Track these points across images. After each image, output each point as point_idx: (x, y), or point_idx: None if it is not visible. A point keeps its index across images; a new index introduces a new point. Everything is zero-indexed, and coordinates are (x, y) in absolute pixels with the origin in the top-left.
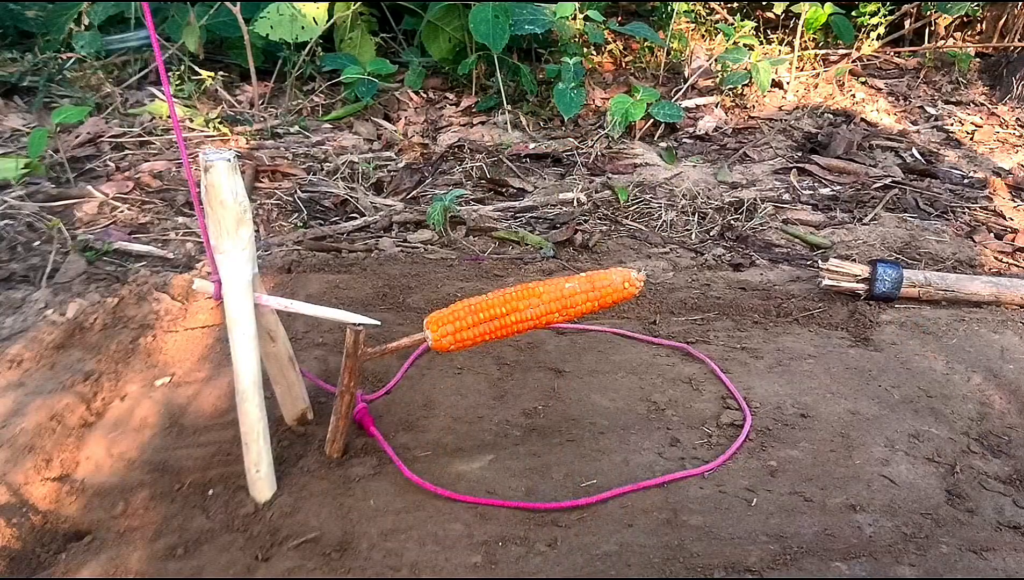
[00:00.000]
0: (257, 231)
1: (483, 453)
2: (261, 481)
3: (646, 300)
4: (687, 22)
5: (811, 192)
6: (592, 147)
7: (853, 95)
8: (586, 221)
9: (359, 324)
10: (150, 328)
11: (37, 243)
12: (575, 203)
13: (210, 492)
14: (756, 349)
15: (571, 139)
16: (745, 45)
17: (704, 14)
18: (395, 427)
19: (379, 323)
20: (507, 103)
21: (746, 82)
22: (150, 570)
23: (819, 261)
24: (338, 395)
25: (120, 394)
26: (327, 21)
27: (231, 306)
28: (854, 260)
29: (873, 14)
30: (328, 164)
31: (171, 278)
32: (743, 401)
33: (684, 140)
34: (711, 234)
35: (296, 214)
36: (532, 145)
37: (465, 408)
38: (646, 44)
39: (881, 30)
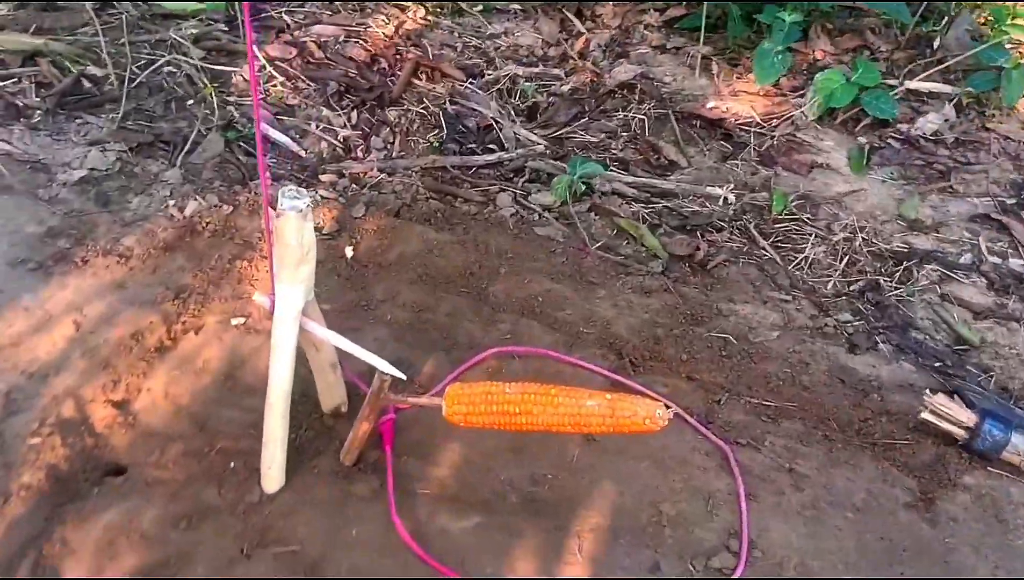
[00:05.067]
0: (392, 143)
1: (474, 513)
2: (271, 477)
3: (728, 364)
4: None
5: (998, 261)
6: (775, 128)
7: None
8: (721, 230)
9: (387, 374)
10: (252, 248)
11: (190, 102)
12: (720, 202)
13: (232, 465)
14: (803, 477)
15: (754, 110)
16: (1010, 39)
17: None
18: (409, 450)
19: (404, 378)
20: (704, 35)
21: (993, 87)
22: (154, 532)
23: (926, 393)
24: (357, 422)
25: (198, 325)
26: None
27: (278, 332)
28: (970, 403)
29: None
30: (491, 71)
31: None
32: (745, 546)
33: (890, 140)
34: (850, 289)
35: (436, 132)
36: (710, 105)
37: (480, 453)
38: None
39: None
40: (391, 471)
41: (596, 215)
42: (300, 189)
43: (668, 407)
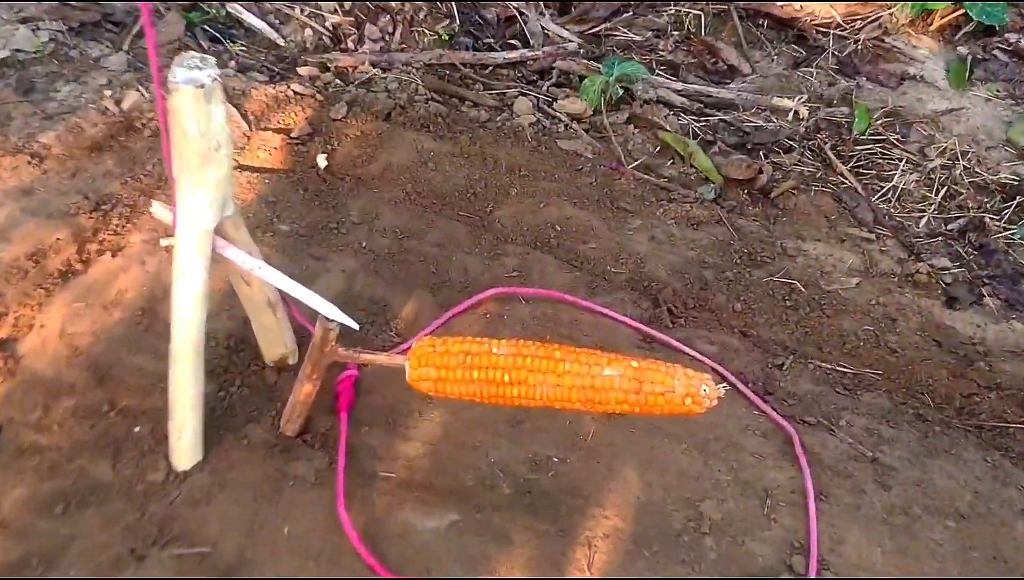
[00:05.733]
0: (392, 33)
1: (449, 507)
2: (181, 450)
3: (794, 318)
4: None
5: None
6: (859, 32)
7: None
8: (790, 150)
9: (333, 320)
10: None
11: None
12: (790, 117)
13: (136, 430)
14: (890, 470)
15: (834, 9)
16: None
17: None
18: (373, 417)
19: (357, 327)
20: None
21: None
22: (18, 518)
23: None
24: (298, 382)
25: (119, 245)
26: None
27: (180, 255)
28: None
29: None
30: None
31: (252, 90)
32: (814, 566)
33: (996, 50)
34: (948, 228)
35: (447, 23)
36: (781, 2)
37: (465, 425)
38: None
39: None
40: (344, 446)
41: (635, 128)
42: (206, 57)
43: (716, 382)
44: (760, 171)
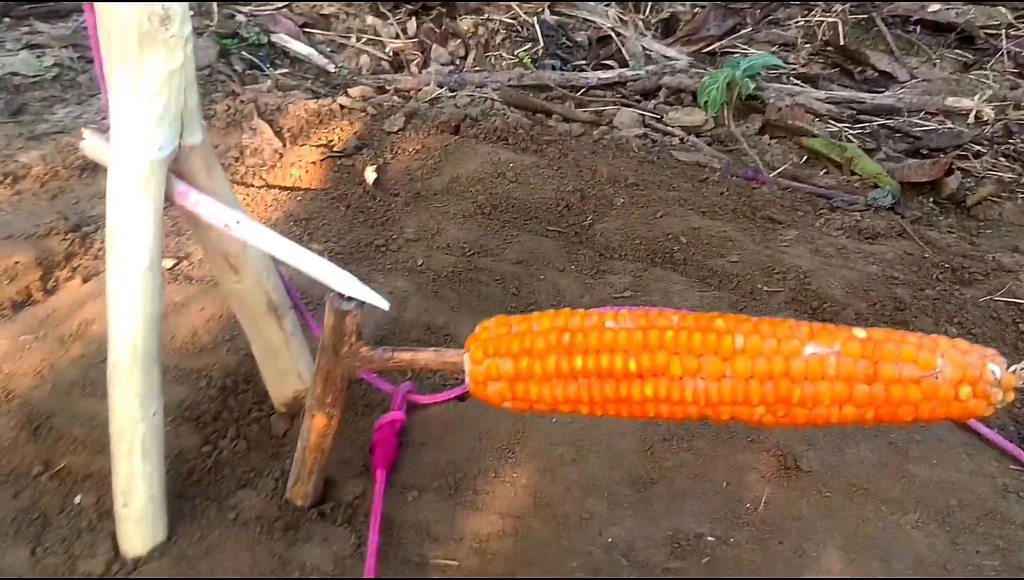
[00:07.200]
0: (463, 58)
1: None
2: (130, 523)
3: None
4: None
5: None
6: None
7: None
8: (979, 155)
9: (353, 299)
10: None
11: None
12: (971, 118)
13: (77, 499)
14: None
15: (1003, 7)
16: None
17: None
18: (427, 480)
19: (387, 306)
20: None
21: None
22: None
23: None
24: (307, 413)
25: (96, 269)
26: None
27: (111, 198)
28: None
29: None
30: None
31: (289, 105)
32: None
33: None
34: None
35: (529, 46)
36: (934, 6)
37: (566, 489)
38: None
39: None
40: (379, 518)
41: (771, 138)
42: None
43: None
44: (950, 171)
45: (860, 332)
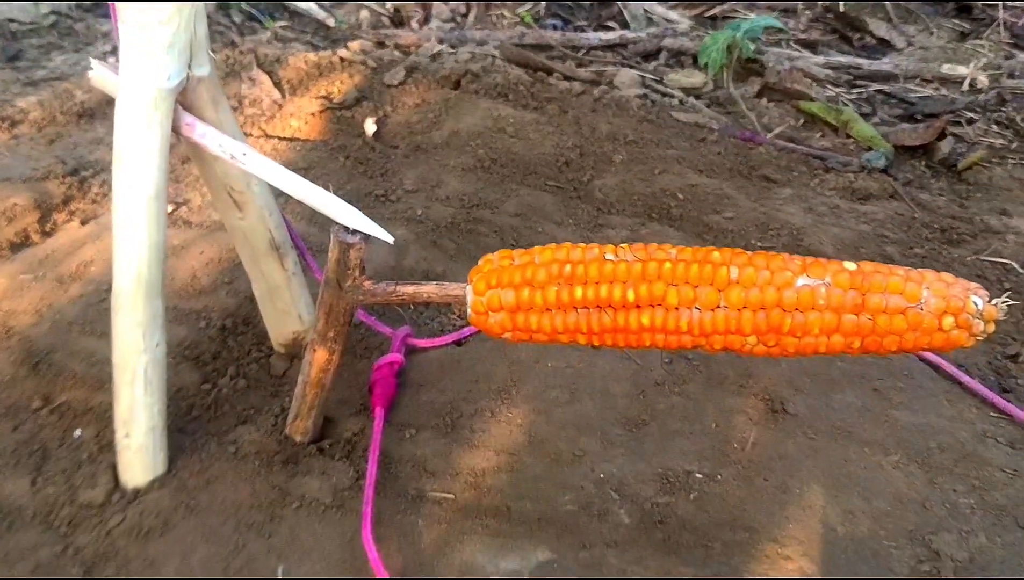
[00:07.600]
0: (464, 15)
1: (538, 541)
2: (131, 453)
3: (1018, 299)
4: None
5: None
6: None
7: None
8: (972, 121)
9: (358, 232)
10: None
11: None
12: (966, 85)
13: (77, 433)
14: None
15: None
16: None
17: None
18: (425, 418)
19: (391, 240)
20: None
21: None
22: None
23: None
24: (308, 348)
25: (94, 213)
26: None
27: (118, 126)
28: None
29: None
30: None
31: (289, 56)
32: None
33: None
34: None
35: (532, 5)
36: None
37: (560, 428)
38: None
39: None
40: (377, 452)
41: (769, 101)
42: None
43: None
44: (942, 135)
45: (850, 265)
